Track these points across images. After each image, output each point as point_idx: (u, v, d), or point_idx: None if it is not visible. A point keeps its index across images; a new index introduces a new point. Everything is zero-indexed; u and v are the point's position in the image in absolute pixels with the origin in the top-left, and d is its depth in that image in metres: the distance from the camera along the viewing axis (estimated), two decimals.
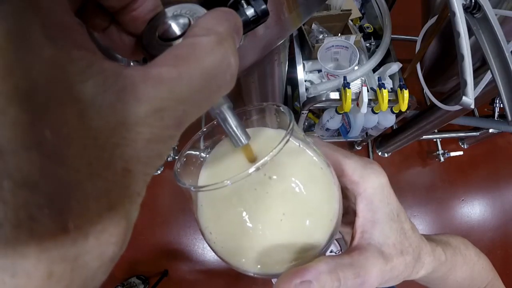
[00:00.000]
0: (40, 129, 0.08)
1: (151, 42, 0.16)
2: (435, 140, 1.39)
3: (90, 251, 0.09)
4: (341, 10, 0.90)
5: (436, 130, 1.32)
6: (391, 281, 0.21)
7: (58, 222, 0.08)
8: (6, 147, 0.08)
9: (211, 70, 0.12)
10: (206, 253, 1.24)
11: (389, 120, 0.96)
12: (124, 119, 0.10)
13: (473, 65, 0.52)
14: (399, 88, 0.82)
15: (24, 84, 0.08)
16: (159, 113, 0.11)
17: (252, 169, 0.16)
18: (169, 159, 1.23)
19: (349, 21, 0.94)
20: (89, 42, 0.11)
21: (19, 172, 0.08)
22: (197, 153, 0.23)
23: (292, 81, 1.03)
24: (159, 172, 1.29)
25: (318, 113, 1.13)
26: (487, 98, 0.96)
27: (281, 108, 0.21)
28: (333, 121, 0.99)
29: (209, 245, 0.21)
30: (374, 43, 0.95)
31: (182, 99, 0.11)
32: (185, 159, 0.21)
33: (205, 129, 0.22)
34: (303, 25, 0.90)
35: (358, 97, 0.83)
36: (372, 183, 0.22)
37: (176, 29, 0.16)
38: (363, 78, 0.89)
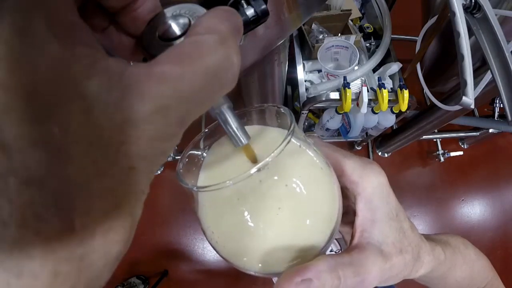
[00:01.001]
0: (46, 127, 0.08)
1: (151, 43, 0.16)
2: (435, 140, 1.39)
3: (97, 250, 0.09)
4: (341, 10, 0.90)
5: (436, 130, 1.32)
6: (391, 279, 0.21)
7: (64, 221, 0.08)
8: (13, 144, 0.08)
9: (214, 69, 0.12)
10: (206, 253, 1.24)
11: (389, 120, 0.96)
12: (129, 116, 0.10)
13: (473, 65, 0.51)
14: (399, 88, 0.82)
15: (30, 81, 0.08)
16: (162, 111, 0.11)
17: (254, 170, 0.16)
18: (169, 159, 1.23)
19: (349, 21, 0.94)
20: (93, 40, 0.11)
21: (25, 169, 0.08)
22: (199, 153, 0.23)
23: (292, 81, 1.03)
24: (159, 172, 1.29)
25: (318, 113, 1.13)
26: (487, 98, 0.96)
27: (281, 109, 0.21)
28: (333, 121, 0.99)
29: (211, 244, 0.21)
30: (374, 43, 0.95)
31: (185, 97, 0.11)
32: (187, 159, 0.21)
33: (207, 130, 0.22)
34: (303, 25, 0.90)
35: (358, 97, 0.83)
36: (371, 183, 0.22)
37: (176, 29, 0.16)
38: (363, 78, 0.89)
